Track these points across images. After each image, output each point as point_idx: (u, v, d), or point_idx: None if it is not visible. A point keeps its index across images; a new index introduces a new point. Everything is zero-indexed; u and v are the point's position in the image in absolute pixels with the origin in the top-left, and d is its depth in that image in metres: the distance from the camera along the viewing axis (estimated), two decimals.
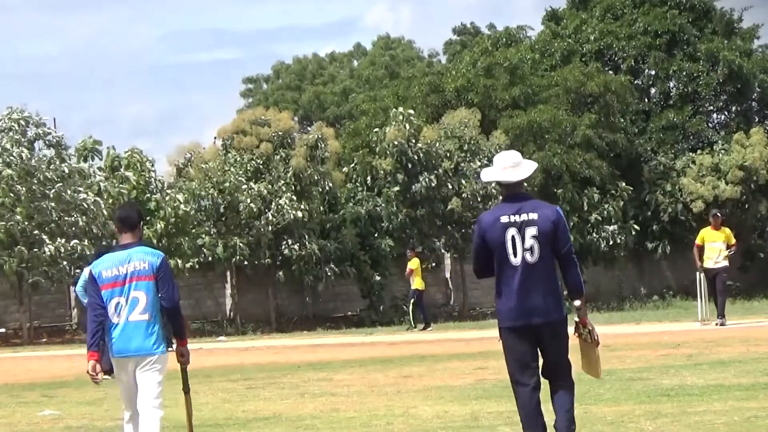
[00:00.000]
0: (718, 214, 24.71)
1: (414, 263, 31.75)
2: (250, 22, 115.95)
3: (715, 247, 23.88)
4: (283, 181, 37.74)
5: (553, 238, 8.47)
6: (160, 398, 8.94)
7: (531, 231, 8.43)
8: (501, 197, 8.79)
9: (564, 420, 8.51)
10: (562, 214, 8.71)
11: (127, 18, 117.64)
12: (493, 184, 37.85)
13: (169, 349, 9.07)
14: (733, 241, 24.27)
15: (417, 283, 31.61)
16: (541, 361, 8.67)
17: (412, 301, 31.70)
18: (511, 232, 8.43)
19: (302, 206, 37.27)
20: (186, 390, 9.27)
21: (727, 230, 24.38)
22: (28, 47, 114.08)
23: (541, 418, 8.55)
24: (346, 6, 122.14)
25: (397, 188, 39.14)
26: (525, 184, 8.74)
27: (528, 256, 8.43)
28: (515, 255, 8.44)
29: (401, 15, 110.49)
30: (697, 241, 24.26)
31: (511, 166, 8.60)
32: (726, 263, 24.04)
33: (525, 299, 8.44)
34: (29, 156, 35.07)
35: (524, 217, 8.45)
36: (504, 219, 8.45)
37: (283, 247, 37.51)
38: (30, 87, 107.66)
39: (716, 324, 23.66)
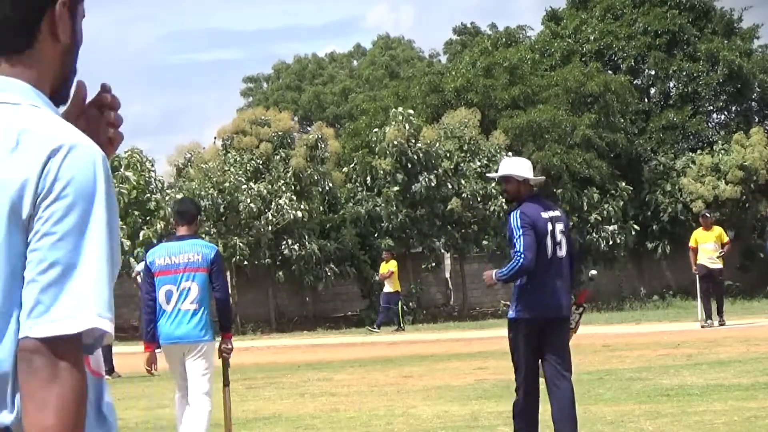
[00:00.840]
0: (707, 215, 24.76)
1: (393, 265, 32.07)
2: (250, 22, 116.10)
3: (707, 248, 23.89)
4: (283, 181, 37.70)
5: (569, 234, 8.91)
6: (209, 385, 9.24)
7: (560, 226, 8.82)
8: (513, 197, 8.92)
9: (571, 411, 8.71)
10: None
11: (127, 18, 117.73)
12: (493, 184, 38.19)
13: (217, 338, 9.33)
14: (726, 239, 24.27)
15: (395, 285, 32.09)
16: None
17: (399, 302, 32.09)
18: (549, 226, 8.71)
19: (302, 206, 37.24)
20: (226, 383, 9.48)
21: (718, 229, 24.41)
22: None
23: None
24: (346, 6, 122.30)
25: (396, 188, 39.10)
26: None
27: (558, 250, 8.75)
28: (550, 249, 8.67)
29: (402, 15, 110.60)
30: (691, 244, 24.28)
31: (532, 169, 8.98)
32: (720, 265, 24.04)
33: (556, 292, 8.73)
34: None
35: (551, 213, 8.84)
36: (544, 214, 8.76)
37: (283, 247, 37.48)
38: None
39: (711, 321, 23.72)
